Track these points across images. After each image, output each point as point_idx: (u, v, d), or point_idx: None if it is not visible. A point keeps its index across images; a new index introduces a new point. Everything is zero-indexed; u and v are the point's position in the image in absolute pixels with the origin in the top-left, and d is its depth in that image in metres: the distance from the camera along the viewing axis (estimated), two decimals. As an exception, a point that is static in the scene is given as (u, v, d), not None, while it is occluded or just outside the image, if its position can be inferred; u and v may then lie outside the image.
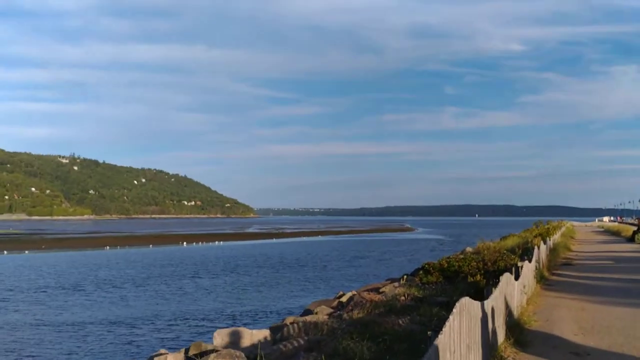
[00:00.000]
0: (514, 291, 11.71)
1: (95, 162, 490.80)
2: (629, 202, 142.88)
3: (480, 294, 13.53)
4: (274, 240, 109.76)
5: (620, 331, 11.40)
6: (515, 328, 10.87)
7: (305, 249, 79.65)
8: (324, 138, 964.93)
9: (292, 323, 13.35)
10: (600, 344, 10.33)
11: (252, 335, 11.97)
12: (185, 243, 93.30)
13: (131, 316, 28.34)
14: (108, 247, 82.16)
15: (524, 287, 13.77)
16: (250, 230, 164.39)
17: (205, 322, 26.90)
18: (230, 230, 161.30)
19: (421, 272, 20.17)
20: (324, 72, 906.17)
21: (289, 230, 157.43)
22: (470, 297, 14.92)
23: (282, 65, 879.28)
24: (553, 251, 28.65)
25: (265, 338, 12.09)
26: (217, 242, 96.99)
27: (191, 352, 10.72)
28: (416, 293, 17.07)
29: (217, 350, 10.03)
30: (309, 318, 13.68)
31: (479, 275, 14.00)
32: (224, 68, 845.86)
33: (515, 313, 11.85)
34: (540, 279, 19.10)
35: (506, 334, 10.23)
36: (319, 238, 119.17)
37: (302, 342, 10.07)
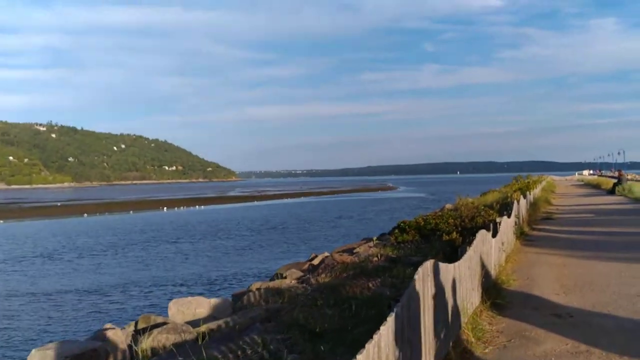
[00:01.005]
0: (491, 249, 10.86)
1: (74, 129, 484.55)
2: (608, 155, 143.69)
3: (457, 253, 12.73)
4: (256, 202, 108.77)
5: (603, 289, 10.63)
6: (493, 289, 10.04)
7: (287, 211, 78.94)
8: (304, 99, 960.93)
9: (256, 289, 12.47)
10: (583, 304, 9.55)
11: (210, 305, 11.09)
12: (165, 208, 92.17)
13: (106, 284, 27.61)
14: (86, 214, 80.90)
15: (503, 244, 12.94)
16: (232, 193, 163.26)
17: (182, 288, 26.17)
18: (212, 194, 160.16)
19: (397, 230, 19.34)
20: (302, 32, 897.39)
21: (271, 193, 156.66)
22: (446, 256, 14.15)
23: (260, 26, 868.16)
24: (533, 205, 27.98)
25: (224, 307, 11.19)
26: (197, 207, 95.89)
27: (140, 326, 9.81)
28: (390, 253, 16.25)
29: (162, 324, 9.11)
30: (273, 284, 12.81)
31: (455, 233, 13.15)
32: (202, 30, 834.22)
33: (493, 272, 11.01)
34: (520, 234, 18.34)
35: (482, 297, 9.39)
36: (302, 199, 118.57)
37: (259, 311, 9.17)
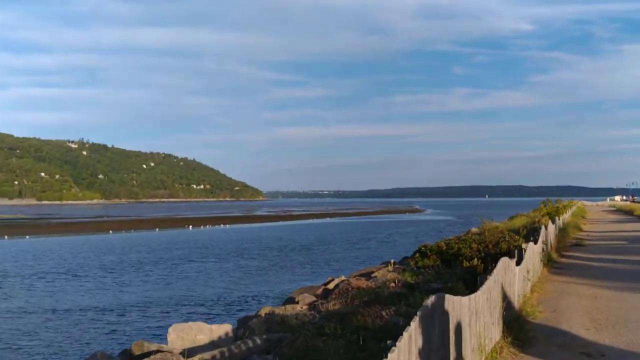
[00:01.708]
0: (515, 278, 10.00)
1: (104, 147, 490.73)
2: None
3: (478, 280, 11.89)
4: (281, 222, 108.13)
5: (638, 322, 9.67)
6: (515, 323, 9.16)
7: (312, 231, 78.17)
8: (332, 120, 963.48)
9: (264, 314, 11.75)
10: (616, 341, 8.62)
11: (212, 332, 10.38)
12: (191, 227, 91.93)
13: (126, 303, 27.14)
14: (112, 231, 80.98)
15: (528, 272, 12.05)
16: (258, 213, 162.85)
17: (200, 309, 25.56)
18: (238, 213, 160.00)
19: (417, 254, 18.47)
20: (331, 53, 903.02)
21: (296, 213, 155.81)
22: (466, 283, 13.29)
23: (289, 47, 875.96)
24: (563, 231, 26.85)
25: (226, 334, 10.47)
26: (222, 225, 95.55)
27: (135, 352, 9.14)
28: (409, 279, 15.41)
29: (156, 352, 8.42)
30: (281, 309, 12.06)
31: (476, 259, 12.29)
32: (231, 51, 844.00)
33: (516, 304, 10.14)
34: (548, 261, 17.34)
35: (503, 331, 8.53)
36: (327, 220, 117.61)
37: (259, 341, 8.44)
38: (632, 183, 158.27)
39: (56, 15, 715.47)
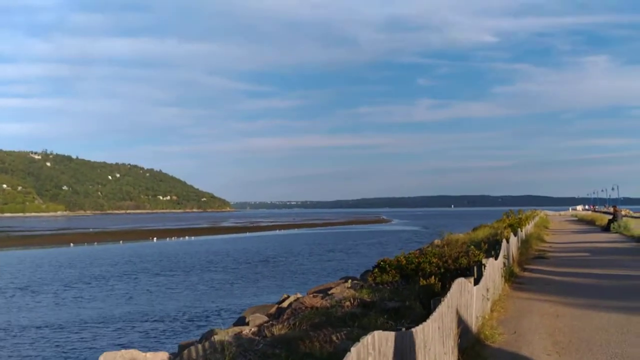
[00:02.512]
0: (472, 299, 9.33)
1: (69, 158, 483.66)
2: (602, 190, 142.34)
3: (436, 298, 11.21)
4: (248, 234, 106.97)
5: (604, 349, 9.06)
6: (472, 349, 8.47)
7: (277, 243, 77.32)
8: (300, 131, 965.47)
9: (204, 340, 10.88)
10: (579, 368, 8.01)
11: (146, 360, 9.50)
12: (155, 239, 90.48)
13: (77, 320, 26.20)
14: (72, 244, 79.02)
15: (488, 290, 11.41)
16: (225, 224, 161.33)
17: (150, 325, 24.73)
18: (205, 224, 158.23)
19: (376, 270, 17.74)
20: (298, 65, 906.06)
21: (264, 224, 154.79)
22: (422, 304, 12.62)
23: (256, 58, 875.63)
24: (525, 243, 26.45)
25: (161, 364, 9.60)
26: (187, 238, 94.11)
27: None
28: (366, 296, 14.67)
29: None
30: (224, 333, 11.21)
31: (433, 278, 11.61)
32: (199, 61, 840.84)
33: (474, 327, 9.47)
34: (510, 276, 16.78)
35: (458, 360, 7.84)
36: (294, 231, 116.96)
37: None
38: (594, 192, 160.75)
39: (20, 25, 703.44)
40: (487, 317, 10.65)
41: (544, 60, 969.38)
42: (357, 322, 11.60)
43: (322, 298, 15.57)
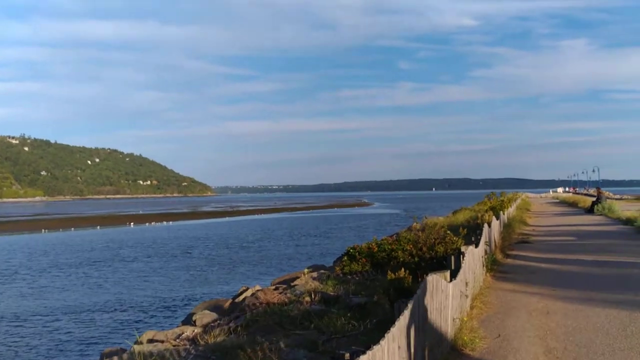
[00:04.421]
0: (447, 299, 7.61)
1: (47, 143, 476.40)
2: (582, 172, 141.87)
3: (407, 295, 9.51)
4: (227, 218, 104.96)
5: (608, 354, 7.40)
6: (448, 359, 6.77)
7: (257, 228, 75.56)
8: (281, 115, 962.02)
9: (133, 347, 9.09)
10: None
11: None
12: (132, 224, 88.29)
13: (26, 311, 24.40)
14: (45, 231, 76.67)
15: (467, 284, 9.71)
16: (205, 209, 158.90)
17: (103, 320, 23.07)
18: (185, 209, 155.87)
19: (345, 258, 16.03)
20: (279, 48, 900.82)
21: (244, 208, 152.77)
22: (390, 300, 10.90)
23: (237, 42, 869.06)
24: (507, 227, 24.87)
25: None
26: (165, 223, 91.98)
27: None
28: (330, 289, 12.97)
29: None
30: (161, 336, 9.43)
31: (403, 270, 9.92)
32: (179, 45, 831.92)
33: (450, 331, 7.77)
34: (492, 264, 15.13)
35: (428, 381, 6.11)
36: (275, 215, 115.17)
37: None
38: (574, 175, 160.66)
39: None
40: (465, 318, 8.94)
41: (523, 44, 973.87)
42: (314, 323, 9.89)
43: (283, 291, 13.85)
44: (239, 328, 9.40)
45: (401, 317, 5.07)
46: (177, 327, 12.08)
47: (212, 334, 8.86)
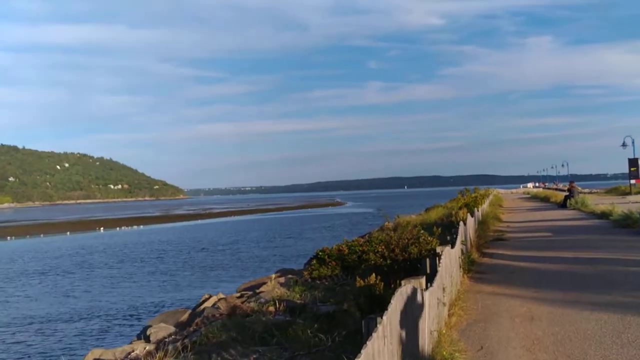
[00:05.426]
0: (424, 310, 6.71)
1: (15, 148, 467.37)
2: (552, 167, 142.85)
3: (379, 303, 8.63)
4: (200, 221, 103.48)
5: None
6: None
7: (230, 230, 74.47)
8: (252, 116, 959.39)
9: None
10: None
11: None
12: (102, 229, 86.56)
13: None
14: (12, 237, 74.70)
15: (444, 290, 8.84)
16: (178, 212, 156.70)
17: (63, 330, 22.05)
18: (156, 212, 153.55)
19: (314, 261, 15.11)
20: (247, 50, 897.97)
21: (216, 211, 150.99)
22: (360, 308, 9.96)
23: (205, 44, 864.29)
24: (482, 224, 24.18)
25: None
26: (135, 227, 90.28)
27: None
28: (297, 297, 12.04)
29: None
30: (108, 354, 8.40)
31: (374, 275, 9.03)
32: (147, 48, 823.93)
33: (428, 345, 6.87)
34: (469, 264, 14.32)
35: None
36: (247, 217, 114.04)
37: None
38: (543, 170, 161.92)
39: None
40: (444, 330, 8.05)
41: (490, 42, 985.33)
42: (277, 337, 8.93)
43: (248, 299, 12.89)
44: (195, 344, 8.41)
45: (368, 343, 4.13)
46: (129, 343, 11.03)
47: (158, 355, 7.86)
